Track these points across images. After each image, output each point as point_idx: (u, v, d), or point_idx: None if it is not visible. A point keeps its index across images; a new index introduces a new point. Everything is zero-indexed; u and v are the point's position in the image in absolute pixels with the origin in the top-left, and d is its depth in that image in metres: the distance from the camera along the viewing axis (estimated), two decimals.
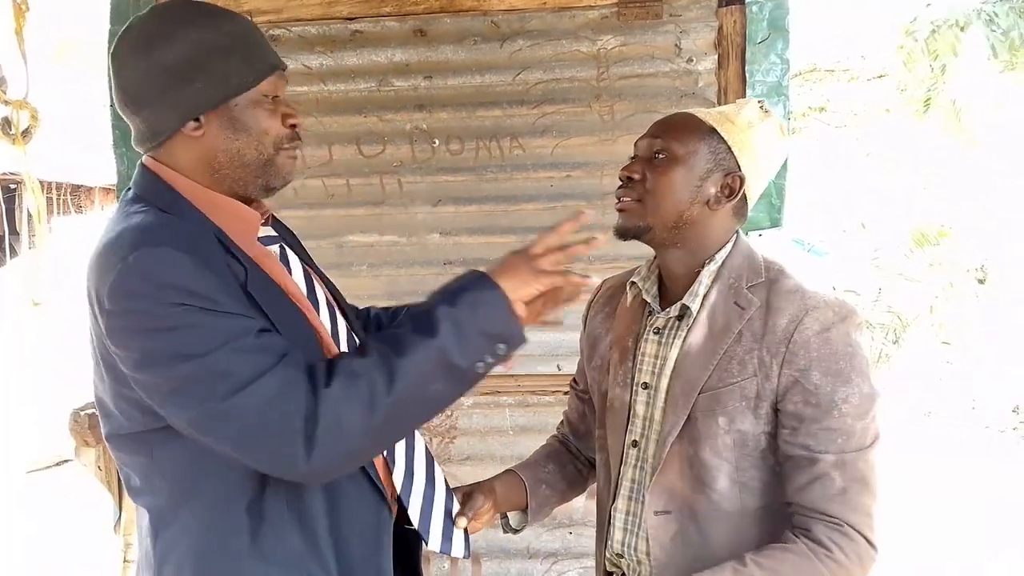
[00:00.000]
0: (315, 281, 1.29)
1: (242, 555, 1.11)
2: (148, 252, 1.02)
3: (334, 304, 1.31)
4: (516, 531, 1.50)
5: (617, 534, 1.34)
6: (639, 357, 1.32)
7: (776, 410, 1.18)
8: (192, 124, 1.10)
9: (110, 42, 2.38)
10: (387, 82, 2.41)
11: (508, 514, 1.48)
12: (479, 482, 1.45)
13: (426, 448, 1.33)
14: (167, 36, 1.09)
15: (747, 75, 2.28)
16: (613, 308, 1.44)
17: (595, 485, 1.51)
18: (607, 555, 1.37)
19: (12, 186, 13.25)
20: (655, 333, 1.31)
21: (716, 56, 2.31)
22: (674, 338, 1.28)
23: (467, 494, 1.39)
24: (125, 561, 2.39)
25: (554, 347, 2.43)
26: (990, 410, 6.49)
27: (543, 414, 2.43)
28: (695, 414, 1.22)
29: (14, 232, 13.65)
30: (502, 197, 2.42)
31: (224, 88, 1.10)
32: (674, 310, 1.28)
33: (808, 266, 8.12)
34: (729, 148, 1.24)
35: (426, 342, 1.04)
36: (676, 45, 2.32)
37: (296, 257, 1.28)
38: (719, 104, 2.30)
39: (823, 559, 1.13)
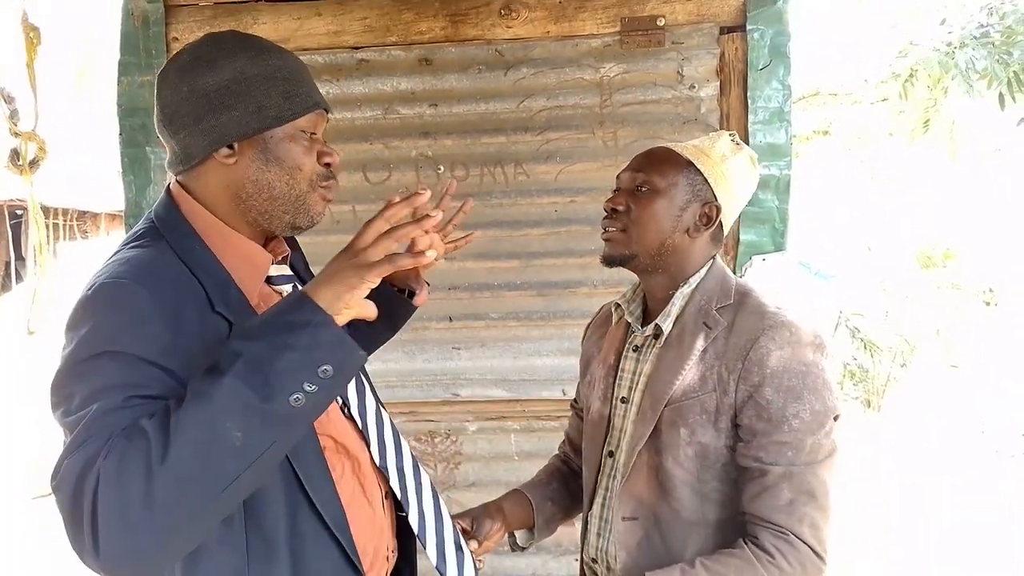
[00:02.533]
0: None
1: None
2: (108, 285, 1.01)
3: None
4: (523, 549, 1.55)
5: (592, 539, 1.41)
6: (620, 373, 1.41)
7: (735, 424, 1.25)
8: (225, 151, 1.10)
9: (120, 71, 2.43)
10: (393, 110, 2.44)
11: (515, 532, 1.53)
12: (486, 504, 1.50)
13: (431, 484, 1.33)
14: (211, 62, 1.10)
15: (749, 101, 2.30)
16: (606, 329, 1.52)
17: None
18: (585, 560, 1.45)
19: (19, 212, 13.38)
20: (634, 351, 1.40)
21: (718, 83, 2.33)
22: (649, 355, 1.37)
23: (476, 518, 1.44)
24: None
25: (559, 372, 2.43)
26: (999, 434, 6.43)
27: (548, 439, 2.42)
28: (660, 426, 1.29)
29: (20, 258, 13.76)
30: (506, 222, 2.44)
31: (260, 119, 1.10)
32: (650, 329, 1.37)
33: (814, 289, 8.10)
34: (706, 180, 1.34)
35: (211, 385, 0.90)
36: (678, 72, 2.34)
37: None
38: (722, 130, 2.32)
39: (766, 565, 1.19)
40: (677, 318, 1.34)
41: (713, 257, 1.38)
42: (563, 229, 2.41)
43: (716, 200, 1.34)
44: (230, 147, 1.10)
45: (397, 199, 1.01)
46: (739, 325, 1.28)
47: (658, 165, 1.35)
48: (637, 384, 1.37)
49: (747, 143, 2.29)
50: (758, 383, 1.23)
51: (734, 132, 1.42)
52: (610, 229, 1.36)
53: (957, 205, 10.17)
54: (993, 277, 9.22)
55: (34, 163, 2.07)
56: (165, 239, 1.11)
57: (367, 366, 1.33)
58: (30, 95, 2.05)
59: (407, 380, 2.49)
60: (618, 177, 1.40)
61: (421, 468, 1.33)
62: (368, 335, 1.54)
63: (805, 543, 1.20)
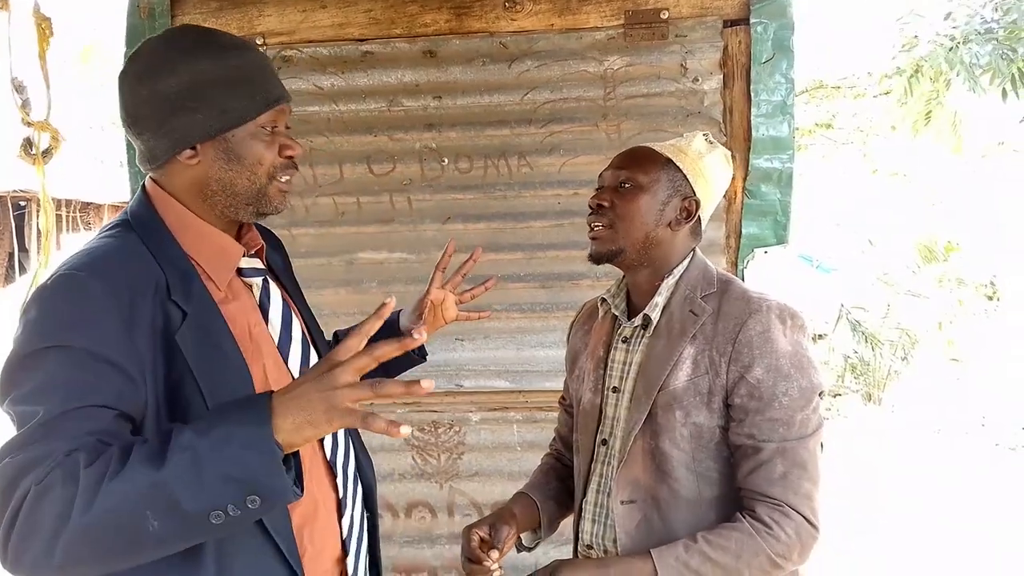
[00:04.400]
0: (294, 317, 1.29)
1: None
2: (65, 277, 1.03)
3: (310, 342, 1.30)
4: (529, 549, 1.59)
5: (587, 525, 1.46)
6: (610, 364, 1.46)
7: (727, 404, 1.32)
8: (187, 152, 1.12)
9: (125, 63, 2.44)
10: (397, 102, 2.45)
11: (520, 535, 1.54)
12: (500, 511, 1.52)
13: (367, 498, 1.36)
14: (171, 65, 1.10)
15: (752, 94, 2.30)
16: (591, 325, 1.58)
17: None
18: (580, 548, 1.49)
19: (22, 203, 13.40)
20: (623, 342, 1.46)
21: (721, 76, 2.34)
22: (639, 345, 1.42)
23: (492, 525, 1.46)
24: None
25: (561, 363, 2.43)
26: (1000, 427, 6.45)
27: (550, 430, 2.40)
28: (655, 410, 1.34)
29: (23, 249, 13.79)
30: (510, 215, 2.45)
31: (221, 120, 1.12)
32: (638, 320, 1.42)
33: (815, 282, 8.11)
34: (685, 176, 1.41)
35: (147, 472, 0.90)
36: (682, 65, 2.35)
37: (279, 292, 1.29)
38: (725, 124, 2.33)
39: (764, 536, 1.25)
40: (664, 308, 1.40)
41: (693, 249, 1.45)
42: (566, 221, 2.42)
43: (695, 194, 1.42)
44: (192, 148, 1.12)
45: (371, 320, 0.96)
46: (725, 310, 1.34)
47: (639, 163, 1.42)
48: (628, 373, 1.42)
49: (750, 136, 2.31)
50: (748, 364, 1.29)
51: (708, 132, 1.49)
52: (596, 226, 1.42)
53: (959, 199, 10.15)
54: (995, 271, 9.22)
55: (47, 153, 2.08)
56: (135, 231, 1.13)
57: None
58: (42, 85, 2.05)
59: (410, 371, 2.50)
60: (601, 176, 1.47)
61: (360, 479, 1.33)
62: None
63: (800, 513, 1.26)
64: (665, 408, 1.33)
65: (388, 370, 1.51)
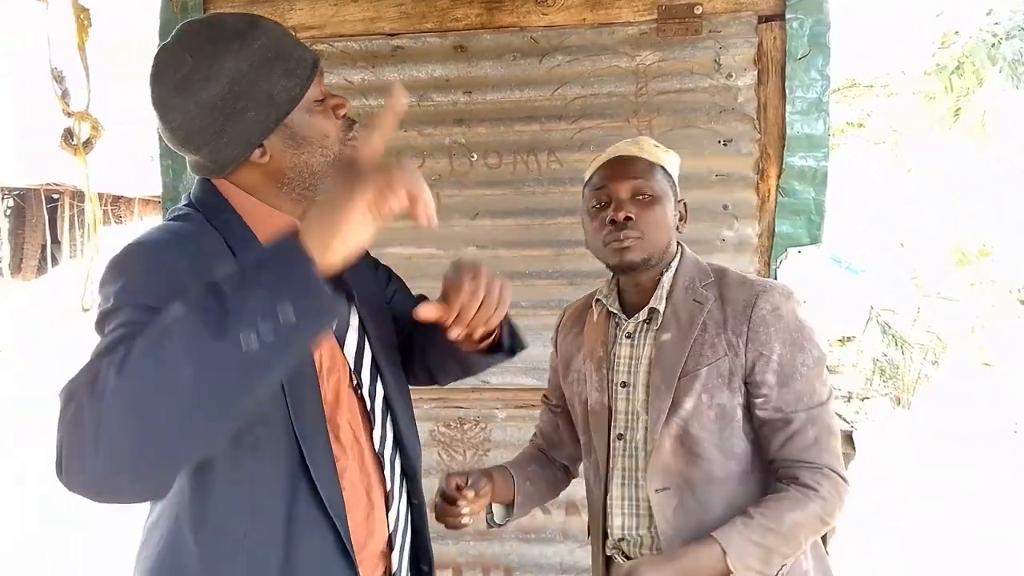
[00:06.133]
0: (351, 305, 1.27)
1: None
2: (138, 244, 1.04)
3: (364, 332, 1.27)
4: (499, 525, 1.61)
5: (616, 520, 1.47)
6: (614, 361, 1.48)
7: (747, 383, 1.37)
8: (257, 152, 1.11)
9: None
10: (427, 97, 2.45)
11: (493, 507, 1.58)
12: (480, 470, 1.56)
13: (413, 495, 1.34)
14: (204, 72, 1.06)
15: (787, 91, 2.27)
16: (581, 327, 1.59)
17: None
18: (608, 543, 1.50)
19: (55, 196, 13.63)
20: (627, 338, 1.47)
21: (756, 72, 2.31)
22: (645, 339, 1.45)
23: (470, 475, 1.49)
24: None
25: None
26: None
27: None
28: (678, 396, 1.38)
29: (55, 241, 14.03)
30: (539, 211, 2.44)
31: (276, 109, 1.10)
32: (643, 314, 1.45)
33: (845, 283, 8.00)
34: (673, 179, 1.48)
35: (172, 315, 0.82)
36: (715, 61, 2.32)
37: (355, 312, 1.27)
38: (759, 120, 2.30)
39: (812, 498, 1.31)
40: (667, 301, 1.44)
41: (680, 244, 1.50)
42: None
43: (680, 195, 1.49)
44: (260, 146, 1.11)
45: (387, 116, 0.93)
46: (729, 296, 1.40)
47: (647, 173, 1.43)
48: (638, 367, 1.44)
49: (784, 133, 2.29)
50: (765, 341, 1.35)
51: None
52: (628, 238, 1.39)
53: (993, 201, 9.96)
54: None
55: (88, 143, 2.10)
56: (205, 217, 1.13)
57: (385, 355, 1.29)
58: (82, 76, 2.07)
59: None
60: (604, 188, 1.43)
61: (406, 471, 1.31)
62: (440, 367, 1.46)
63: (836, 472, 1.34)
64: (688, 393, 1.37)
65: (468, 367, 1.40)
